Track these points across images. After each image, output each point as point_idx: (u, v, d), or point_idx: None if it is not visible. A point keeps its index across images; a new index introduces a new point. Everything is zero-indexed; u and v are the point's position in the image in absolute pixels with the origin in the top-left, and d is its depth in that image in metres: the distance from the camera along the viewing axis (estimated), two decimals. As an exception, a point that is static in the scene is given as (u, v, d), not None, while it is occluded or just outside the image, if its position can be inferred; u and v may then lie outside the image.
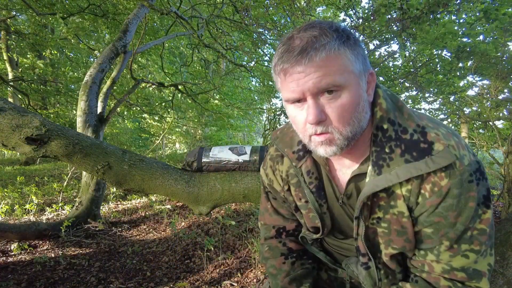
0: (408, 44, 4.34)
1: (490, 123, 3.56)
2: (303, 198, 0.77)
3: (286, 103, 0.61)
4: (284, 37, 0.59)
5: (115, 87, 5.86)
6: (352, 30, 0.61)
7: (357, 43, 0.58)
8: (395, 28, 3.13)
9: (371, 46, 4.47)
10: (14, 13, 5.18)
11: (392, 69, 5.04)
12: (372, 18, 3.36)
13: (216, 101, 8.05)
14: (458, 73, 4.10)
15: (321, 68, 0.53)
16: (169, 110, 8.19)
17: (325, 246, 0.90)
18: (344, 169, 0.72)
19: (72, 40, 6.16)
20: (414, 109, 0.70)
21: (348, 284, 0.87)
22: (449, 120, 4.64)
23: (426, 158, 0.58)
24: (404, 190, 0.62)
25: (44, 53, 8.39)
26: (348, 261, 0.81)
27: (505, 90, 3.66)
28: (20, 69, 7.64)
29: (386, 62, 5.03)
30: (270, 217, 0.90)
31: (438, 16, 3.17)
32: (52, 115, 7.57)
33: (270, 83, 7.07)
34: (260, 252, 0.95)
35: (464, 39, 3.70)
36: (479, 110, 3.93)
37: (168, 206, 3.90)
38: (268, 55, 7.52)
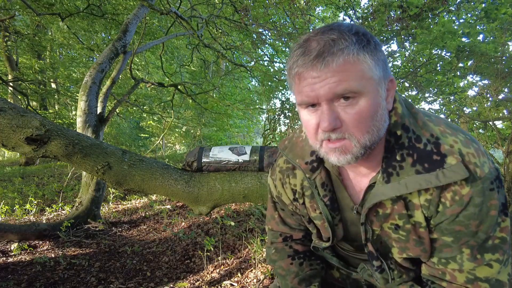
0: (408, 44, 4.35)
1: (490, 123, 3.56)
2: (317, 209, 0.75)
3: (300, 107, 0.59)
4: (300, 38, 0.57)
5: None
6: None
7: (378, 48, 0.55)
8: (395, 27, 3.14)
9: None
10: (15, 13, 5.18)
11: (392, 69, 5.04)
12: (372, 17, 3.36)
13: (215, 101, 8.05)
14: (458, 73, 4.10)
15: (337, 73, 0.51)
16: (168, 110, 8.21)
17: (338, 251, 0.89)
18: (359, 177, 0.69)
19: (70, 41, 6.18)
20: (432, 113, 0.67)
21: (364, 286, 0.86)
22: (449, 120, 4.63)
23: (437, 171, 0.56)
24: (422, 199, 0.60)
25: (43, 55, 8.40)
26: (366, 265, 0.79)
27: (505, 90, 3.66)
28: (19, 70, 7.64)
29: (385, 62, 5.01)
30: (277, 225, 0.90)
31: (438, 14, 3.17)
32: (50, 115, 7.57)
33: (270, 83, 7.06)
34: (267, 255, 0.94)
35: (464, 39, 3.70)
36: (479, 110, 3.93)
37: (168, 206, 3.90)
38: (268, 55, 7.52)
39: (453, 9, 3.23)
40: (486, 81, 3.94)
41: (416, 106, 0.66)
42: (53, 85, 9.17)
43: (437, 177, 0.56)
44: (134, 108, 7.92)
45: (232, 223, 2.78)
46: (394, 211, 0.63)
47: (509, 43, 3.72)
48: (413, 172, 0.58)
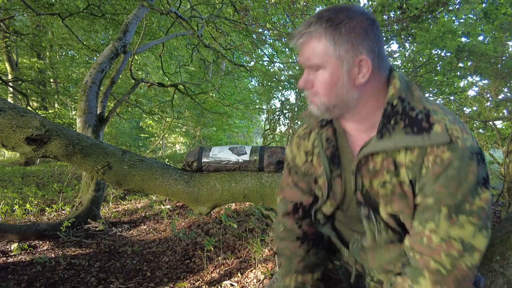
0: (408, 44, 4.34)
1: (490, 123, 3.56)
2: (322, 165, 0.84)
3: None
4: None
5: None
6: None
7: (353, 31, 0.66)
8: (395, 27, 3.14)
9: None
10: (15, 13, 5.18)
11: (391, 69, 5.02)
12: (371, 18, 3.34)
13: (215, 100, 8.03)
14: (458, 73, 4.11)
15: (303, 49, 0.69)
16: (167, 110, 8.21)
17: (336, 226, 0.93)
18: (360, 141, 0.79)
19: (70, 41, 6.18)
20: (430, 98, 0.75)
21: (353, 269, 0.90)
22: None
23: (424, 134, 0.65)
24: (407, 160, 0.69)
25: (42, 54, 8.41)
26: (356, 237, 0.85)
27: (505, 90, 3.66)
28: (19, 70, 7.64)
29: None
30: (290, 190, 0.96)
31: (438, 15, 3.17)
32: (50, 115, 7.57)
33: (270, 83, 7.06)
34: (275, 231, 0.98)
35: (464, 39, 3.70)
36: (479, 110, 3.93)
37: (168, 206, 3.90)
38: (268, 56, 7.51)
39: (452, 8, 3.22)
40: (486, 81, 3.94)
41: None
42: (53, 85, 9.17)
43: (423, 139, 0.65)
44: (135, 108, 7.91)
45: (235, 225, 2.79)
46: (383, 168, 0.72)
47: (509, 43, 3.72)
48: (403, 133, 0.68)
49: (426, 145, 0.65)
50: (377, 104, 0.73)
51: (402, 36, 3.06)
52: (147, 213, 3.77)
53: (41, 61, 8.15)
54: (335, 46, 0.66)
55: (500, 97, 3.61)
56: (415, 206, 0.70)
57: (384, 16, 3.09)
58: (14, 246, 2.63)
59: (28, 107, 4.77)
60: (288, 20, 5.20)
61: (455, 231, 0.64)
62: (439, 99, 4.72)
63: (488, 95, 3.77)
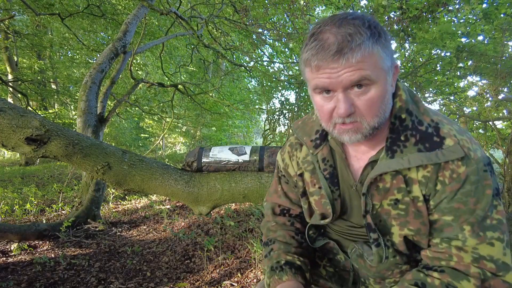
0: (407, 44, 4.34)
1: (490, 123, 3.57)
2: (317, 184, 0.79)
3: (313, 92, 0.64)
4: (313, 29, 0.61)
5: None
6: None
7: (387, 39, 0.60)
8: (395, 27, 3.14)
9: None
10: (14, 13, 5.18)
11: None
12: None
13: (215, 100, 8.03)
14: (458, 73, 4.11)
15: (355, 65, 0.56)
16: (166, 110, 8.20)
17: (330, 235, 0.89)
18: (360, 155, 0.75)
19: (70, 41, 6.19)
20: (429, 107, 0.73)
21: (351, 274, 0.85)
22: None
23: (437, 150, 0.63)
24: (420, 175, 0.65)
25: (42, 55, 8.41)
26: (357, 245, 0.80)
27: (505, 90, 3.67)
28: (19, 70, 7.64)
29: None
30: (278, 198, 0.93)
31: (438, 16, 3.17)
32: (50, 115, 7.58)
33: (270, 83, 7.06)
34: (264, 227, 0.92)
35: (463, 39, 3.70)
36: (479, 110, 3.93)
37: (168, 206, 3.90)
38: (267, 56, 7.52)
39: (451, 8, 3.22)
40: (486, 81, 3.94)
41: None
42: (53, 86, 9.17)
43: (437, 155, 0.62)
44: (135, 108, 7.91)
45: (232, 223, 2.79)
46: (393, 186, 0.68)
47: (509, 43, 3.72)
48: (415, 150, 0.64)
49: (441, 161, 0.62)
50: (387, 118, 0.67)
51: (404, 36, 3.06)
52: (147, 213, 3.77)
53: (41, 61, 8.15)
54: (385, 57, 0.60)
55: (500, 97, 3.61)
56: (431, 223, 0.67)
57: (384, 17, 3.10)
58: (14, 246, 2.63)
59: (28, 107, 4.77)
60: (288, 20, 5.20)
61: (484, 251, 0.61)
62: (439, 99, 4.72)
63: (488, 95, 3.78)
